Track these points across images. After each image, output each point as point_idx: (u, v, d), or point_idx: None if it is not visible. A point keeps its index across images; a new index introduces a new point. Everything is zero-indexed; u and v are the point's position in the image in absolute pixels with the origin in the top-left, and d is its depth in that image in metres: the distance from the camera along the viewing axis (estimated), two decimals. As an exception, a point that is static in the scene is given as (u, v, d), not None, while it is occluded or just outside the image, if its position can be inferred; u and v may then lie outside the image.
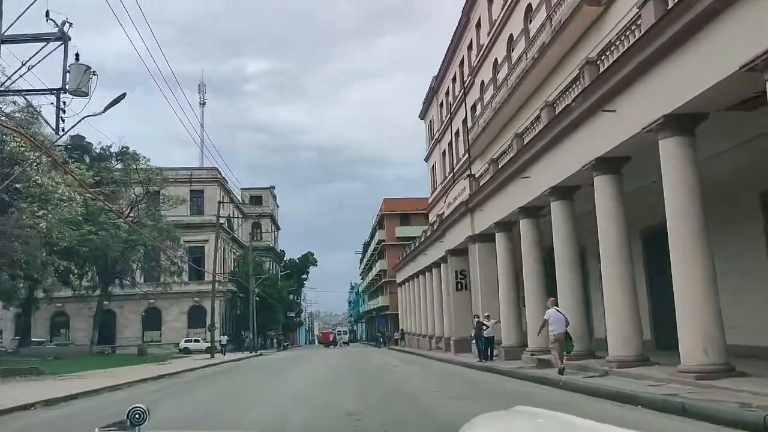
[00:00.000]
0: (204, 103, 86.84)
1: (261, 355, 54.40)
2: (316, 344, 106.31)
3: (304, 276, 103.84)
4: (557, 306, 17.49)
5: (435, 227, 35.99)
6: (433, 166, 55.56)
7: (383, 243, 70.10)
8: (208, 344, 60.19)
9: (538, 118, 19.71)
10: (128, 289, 60.75)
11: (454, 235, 31.35)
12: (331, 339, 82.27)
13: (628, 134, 13.42)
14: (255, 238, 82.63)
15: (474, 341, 25.05)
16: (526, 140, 19.66)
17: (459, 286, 31.72)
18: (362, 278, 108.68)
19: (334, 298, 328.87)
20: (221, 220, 64.72)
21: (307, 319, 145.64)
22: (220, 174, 65.08)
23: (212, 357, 41.25)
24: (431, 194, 56.61)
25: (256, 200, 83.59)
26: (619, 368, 14.13)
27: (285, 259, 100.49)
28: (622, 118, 13.61)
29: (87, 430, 2.28)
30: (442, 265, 35.72)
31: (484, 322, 23.85)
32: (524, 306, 23.33)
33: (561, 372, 16.18)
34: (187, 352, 59.66)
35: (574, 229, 17.93)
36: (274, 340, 74.08)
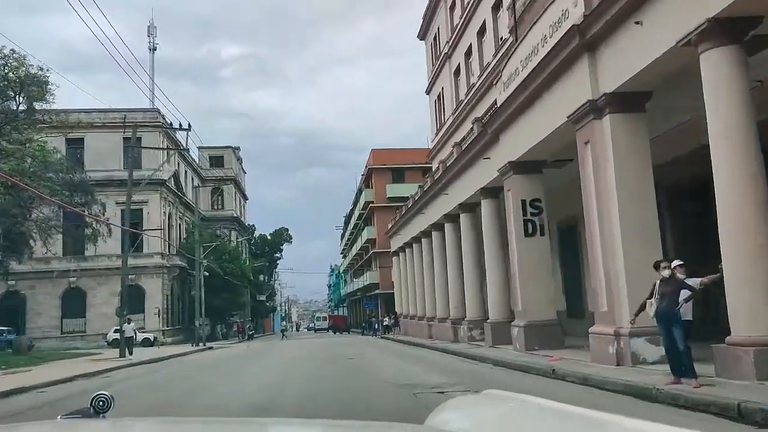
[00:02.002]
0: (155, 49, 70.63)
1: (210, 349, 39.14)
2: (295, 331, 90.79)
3: (278, 254, 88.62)
4: None
5: (475, 133, 20.80)
6: (438, 96, 40.46)
7: (371, 205, 54.26)
8: (146, 334, 45.12)
9: None
10: (41, 263, 45.34)
11: (522, 132, 16.36)
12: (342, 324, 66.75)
13: None
14: (216, 207, 67.24)
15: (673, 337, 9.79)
16: None
17: (530, 229, 16.80)
18: (344, 256, 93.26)
19: (313, 283, 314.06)
20: (165, 175, 49.11)
21: (283, 305, 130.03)
22: (163, 118, 49.30)
23: (122, 357, 25.96)
24: (435, 135, 41.62)
25: (217, 162, 67.75)
26: None
27: (255, 235, 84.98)
28: None
29: None
30: (485, 203, 20.73)
31: (681, 275, 8.96)
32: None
33: None
34: (117, 345, 44.35)
35: None
36: (236, 328, 58.94)
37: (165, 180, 48.42)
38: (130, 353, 26.06)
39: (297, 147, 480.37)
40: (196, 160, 63.77)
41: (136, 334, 27.96)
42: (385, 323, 44.29)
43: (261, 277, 78.34)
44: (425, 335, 30.76)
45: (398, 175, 53.04)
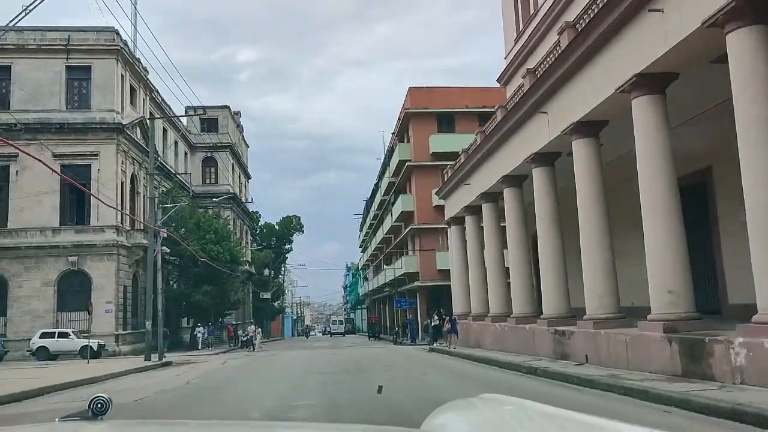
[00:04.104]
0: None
1: (168, 365, 24.34)
2: (307, 338, 75.13)
3: (287, 246, 74.04)
4: None
5: None
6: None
7: (408, 164, 38.38)
8: (86, 341, 30.38)
9: None
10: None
11: None
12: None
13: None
14: (208, 180, 52.87)
15: None
16: None
17: None
18: (363, 250, 78.31)
19: (327, 285, 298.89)
20: (121, 119, 34.59)
21: (295, 307, 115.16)
22: (121, 40, 34.82)
23: None
24: (513, 45, 26.85)
25: (210, 125, 53.34)
26: None
27: (260, 223, 70.59)
28: None
29: None
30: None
31: None
32: None
33: None
34: (46, 356, 30.00)
35: None
36: (225, 333, 44.31)
37: (123, 125, 33.86)
38: None
39: (308, 150, 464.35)
40: (183, 122, 49.46)
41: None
42: (434, 322, 29.56)
43: (266, 272, 63.81)
44: (533, 350, 15.93)
45: (446, 123, 37.35)
